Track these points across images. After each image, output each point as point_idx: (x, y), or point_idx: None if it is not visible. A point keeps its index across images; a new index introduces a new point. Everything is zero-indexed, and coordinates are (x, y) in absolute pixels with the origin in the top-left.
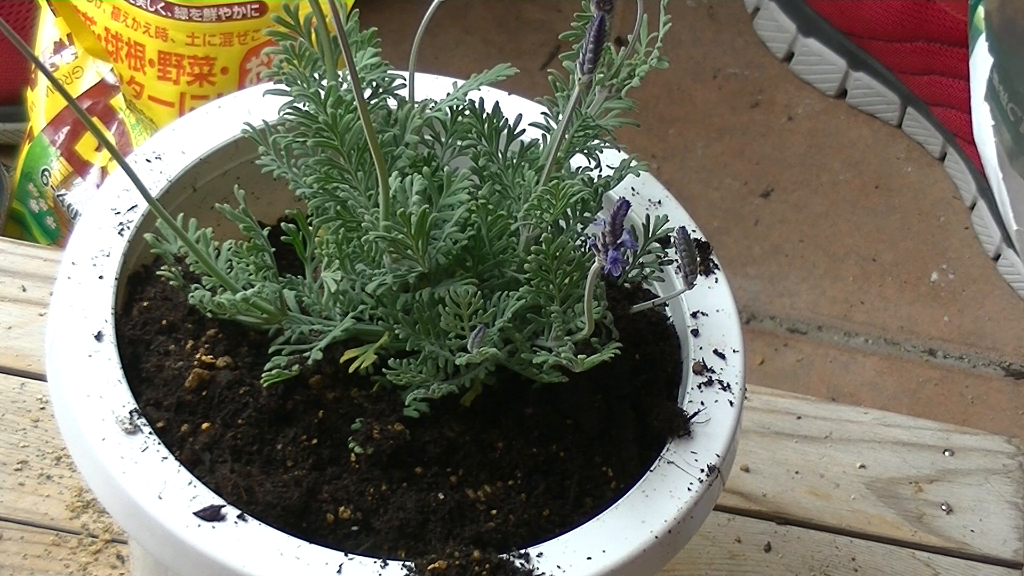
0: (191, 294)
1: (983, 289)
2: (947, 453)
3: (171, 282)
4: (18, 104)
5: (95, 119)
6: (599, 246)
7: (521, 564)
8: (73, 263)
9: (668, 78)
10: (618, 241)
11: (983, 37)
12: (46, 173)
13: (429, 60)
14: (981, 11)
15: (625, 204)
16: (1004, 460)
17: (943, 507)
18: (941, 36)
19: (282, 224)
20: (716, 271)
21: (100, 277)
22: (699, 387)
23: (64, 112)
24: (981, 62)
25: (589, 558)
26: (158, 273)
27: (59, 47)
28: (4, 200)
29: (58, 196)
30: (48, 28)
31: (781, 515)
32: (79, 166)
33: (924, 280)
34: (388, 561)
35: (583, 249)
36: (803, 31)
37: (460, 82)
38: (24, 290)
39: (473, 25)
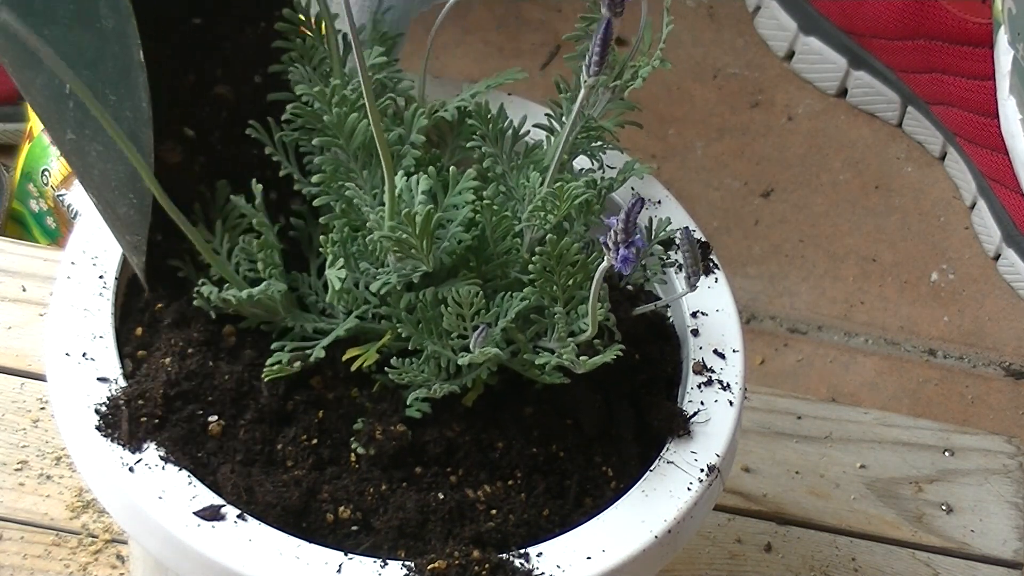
0: (196, 291)
1: (983, 289)
2: (947, 453)
3: (179, 273)
4: (18, 104)
5: None
6: (609, 244)
7: (521, 564)
8: (73, 263)
9: (668, 78)
10: (630, 239)
11: (1002, 30)
12: (46, 173)
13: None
14: (999, 2)
15: (640, 201)
16: (1004, 460)
17: (943, 507)
18: (943, 34)
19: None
20: (716, 271)
21: (100, 276)
22: (699, 387)
23: None
24: (1002, 55)
25: (589, 558)
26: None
27: None
28: (4, 200)
29: (58, 196)
30: None
31: (781, 515)
32: None
33: (924, 280)
34: (388, 561)
35: (586, 251)
36: (804, 29)
37: (468, 83)
38: (24, 290)
39: (473, 25)
